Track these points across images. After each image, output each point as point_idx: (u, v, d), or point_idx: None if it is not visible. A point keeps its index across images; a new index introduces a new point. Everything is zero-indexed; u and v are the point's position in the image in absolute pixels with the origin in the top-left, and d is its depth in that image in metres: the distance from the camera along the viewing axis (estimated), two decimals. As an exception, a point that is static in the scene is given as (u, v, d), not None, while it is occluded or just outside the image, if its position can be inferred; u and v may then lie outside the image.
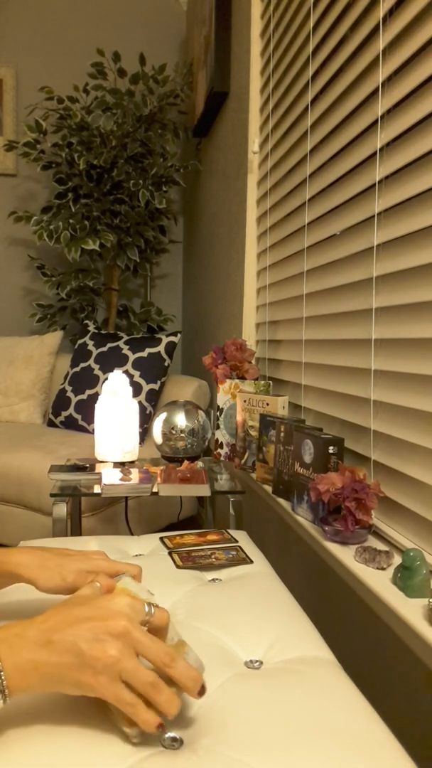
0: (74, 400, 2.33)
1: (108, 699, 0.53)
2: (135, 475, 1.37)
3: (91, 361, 2.35)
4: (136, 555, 1.05)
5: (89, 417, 2.28)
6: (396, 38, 0.98)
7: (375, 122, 1.06)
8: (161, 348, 2.27)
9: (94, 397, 2.28)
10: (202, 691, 0.55)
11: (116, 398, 1.57)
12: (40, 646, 0.53)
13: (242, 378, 1.66)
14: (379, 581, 0.87)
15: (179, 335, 2.30)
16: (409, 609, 0.78)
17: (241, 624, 0.78)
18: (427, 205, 0.91)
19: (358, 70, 1.10)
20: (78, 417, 2.32)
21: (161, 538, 1.12)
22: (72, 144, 2.54)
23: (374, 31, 1.05)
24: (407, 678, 0.86)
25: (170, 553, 1.04)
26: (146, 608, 0.57)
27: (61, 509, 1.33)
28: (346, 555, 0.96)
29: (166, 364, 2.27)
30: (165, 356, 2.26)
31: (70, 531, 1.39)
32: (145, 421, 2.19)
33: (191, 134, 2.69)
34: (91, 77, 2.66)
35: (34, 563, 0.69)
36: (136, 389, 2.22)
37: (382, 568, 0.91)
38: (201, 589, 0.88)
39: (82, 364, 2.37)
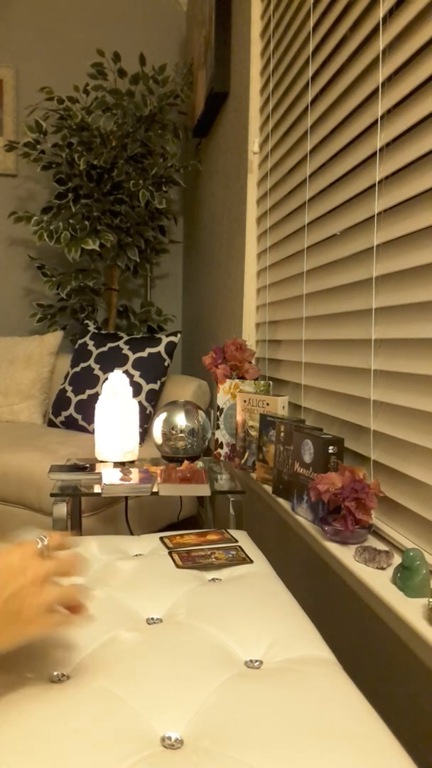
0: (74, 400, 2.33)
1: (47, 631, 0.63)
2: (135, 475, 1.37)
3: (91, 361, 2.35)
4: (136, 555, 1.05)
5: (89, 417, 2.28)
6: (396, 38, 0.98)
7: (375, 122, 1.06)
8: (161, 348, 2.27)
9: (94, 397, 2.28)
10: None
11: (116, 398, 1.57)
12: None
13: (242, 378, 1.66)
14: (379, 581, 0.87)
15: (179, 335, 2.30)
16: (408, 609, 0.78)
17: (241, 624, 0.78)
18: (427, 205, 0.91)
19: (358, 71, 1.10)
20: (78, 417, 2.32)
21: (161, 538, 1.12)
22: (72, 144, 2.54)
23: (374, 32, 1.06)
24: (407, 678, 0.86)
25: (170, 553, 1.04)
26: (40, 542, 0.66)
27: (62, 509, 1.33)
28: (345, 555, 0.96)
29: (166, 364, 2.27)
30: (165, 356, 2.26)
31: (70, 531, 1.39)
32: (145, 421, 2.19)
33: (191, 134, 2.69)
34: (91, 78, 2.66)
35: None
36: (136, 389, 2.22)
37: (382, 568, 0.91)
38: (201, 589, 0.88)
39: (83, 364, 2.37)
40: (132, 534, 1.94)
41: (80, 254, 2.42)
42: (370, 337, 1.08)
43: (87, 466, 1.49)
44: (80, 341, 2.45)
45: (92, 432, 2.29)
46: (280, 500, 1.27)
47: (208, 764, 0.52)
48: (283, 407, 1.44)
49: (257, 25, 1.80)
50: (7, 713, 0.58)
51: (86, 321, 2.57)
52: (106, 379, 1.96)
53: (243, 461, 1.52)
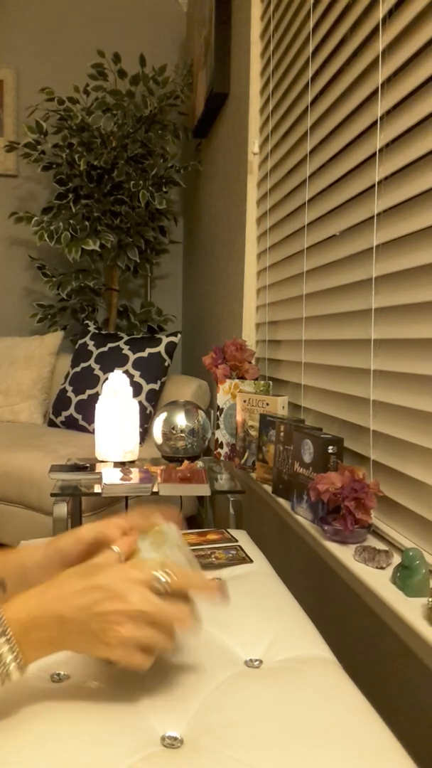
0: (75, 400, 2.33)
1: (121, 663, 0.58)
2: (135, 474, 1.38)
3: (91, 361, 2.35)
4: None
5: (90, 417, 2.28)
6: (396, 39, 0.99)
7: (374, 123, 1.06)
8: (161, 348, 2.27)
9: (94, 397, 2.29)
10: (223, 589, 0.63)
11: (116, 398, 1.57)
12: (53, 622, 0.56)
13: (242, 378, 1.66)
14: (379, 580, 0.87)
15: (179, 335, 2.31)
16: (408, 608, 0.78)
17: (241, 623, 0.78)
18: (426, 206, 0.91)
19: (358, 71, 1.11)
20: (78, 417, 2.32)
21: (161, 538, 1.12)
22: (72, 145, 2.55)
23: (374, 32, 1.06)
24: (407, 678, 0.86)
25: (170, 553, 1.04)
26: (161, 578, 0.59)
27: (62, 509, 1.33)
28: (345, 554, 0.96)
29: (166, 364, 2.27)
30: (165, 356, 2.26)
31: (70, 531, 1.39)
32: (145, 421, 2.20)
33: (191, 135, 2.69)
34: (91, 78, 2.66)
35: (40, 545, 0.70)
36: (137, 389, 2.22)
37: (382, 568, 0.91)
38: (201, 589, 0.88)
39: (83, 364, 2.37)
40: (132, 534, 1.94)
41: (80, 254, 2.43)
42: (370, 337, 1.08)
43: (87, 466, 1.49)
44: (80, 341, 2.45)
45: (92, 432, 2.29)
46: (280, 500, 1.27)
47: (208, 764, 0.52)
48: (283, 407, 1.44)
49: (257, 26, 1.80)
50: (6, 713, 0.58)
51: (86, 321, 2.57)
52: (107, 379, 1.96)
53: (243, 461, 1.52)
